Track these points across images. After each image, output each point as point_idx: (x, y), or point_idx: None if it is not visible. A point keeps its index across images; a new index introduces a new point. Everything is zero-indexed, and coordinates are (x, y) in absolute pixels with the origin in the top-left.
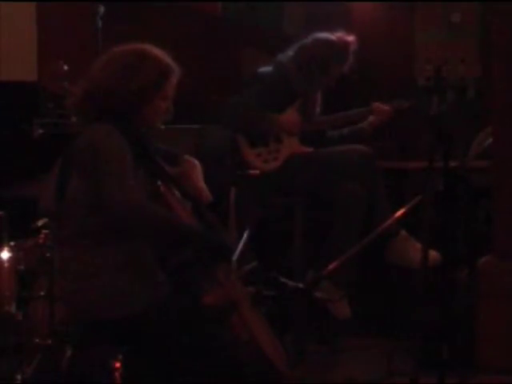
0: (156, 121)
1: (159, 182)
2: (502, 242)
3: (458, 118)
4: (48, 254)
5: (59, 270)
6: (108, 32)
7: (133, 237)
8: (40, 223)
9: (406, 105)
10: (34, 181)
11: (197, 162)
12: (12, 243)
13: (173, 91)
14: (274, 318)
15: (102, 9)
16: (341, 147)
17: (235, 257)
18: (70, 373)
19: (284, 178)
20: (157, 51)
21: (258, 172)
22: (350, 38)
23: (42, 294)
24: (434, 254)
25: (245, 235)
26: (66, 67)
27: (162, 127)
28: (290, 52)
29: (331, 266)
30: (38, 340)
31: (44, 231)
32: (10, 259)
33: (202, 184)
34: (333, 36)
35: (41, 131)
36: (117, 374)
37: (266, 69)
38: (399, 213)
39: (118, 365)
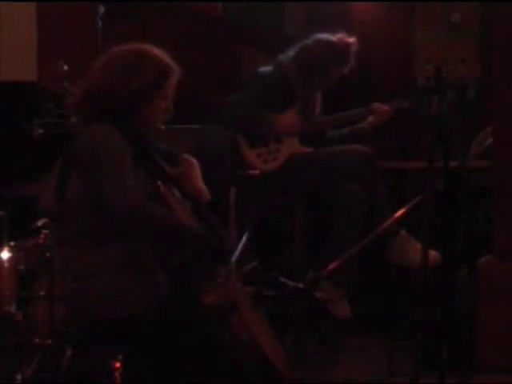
0: (156, 121)
1: (159, 182)
2: (502, 242)
3: (457, 118)
4: (48, 254)
5: (59, 270)
6: (108, 32)
7: (133, 237)
8: (40, 223)
9: (406, 105)
10: (34, 181)
11: (195, 162)
12: (12, 243)
13: (173, 91)
14: (274, 318)
15: (101, 9)
16: (341, 147)
17: (235, 257)
18: (70, 373)
19: (284, 177)
20: (157, 51)
21: (257, 172)
22: (351, 40)
23: (42, 294)
24: (433, 254)
25: (245, 235)
26: (66, 67)
27: (162, 127)
28: (291, 52)
29: (331, 266)
30: (37, 340)
31: (44, 231)
32: (10, 259)
33: (200, 183)
34: (334, 37)
35: (41, 131)
36: (117, 374)
37: (266, 69)
38: (399, 213)
39: (118, 365)
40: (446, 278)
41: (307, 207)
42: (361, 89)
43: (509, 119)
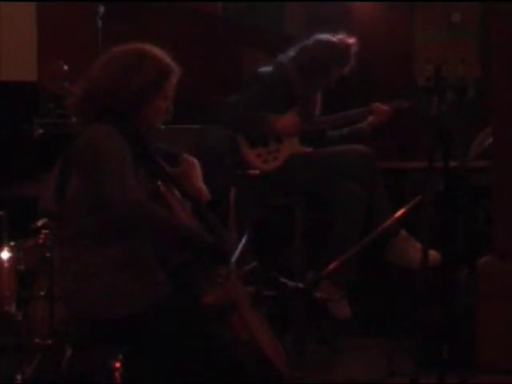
0: (156, 121)
1: (159, 182)
2: (502, 242)
3: (457, 118)
4: (48, 254)
5: (59, 270)
6: (108, 32)
7: (133, 237)
8: (40, 223)
9: (406, 105)
10: (34, 181)
11: (196, 162)
12: (12, 243)
13: (173, 91)
14: (274, 318)
15: (101, 9)
16: (341, 147)
17: (235, 257)
18: (70, 373)
19: (284, 177)
20: (157, 51)
21: (257, 172)
22: (352, 41)
23: (42, 294)
24: (433, 254)
25: (245, 236)
26: (66, 67)
27: (162, 127)
28: (291, 53)
29: (331, 266)
30: (37, 340)
31: (44, 231)
32: (10, 259)
33: (201, 183)
34: (334, 38)
35: (41, 131)
36: (117, 374)
37: (266, 69)
38: (399, 213)
39: (118, 365)
40: (445, 277)
41: (307, 207)
42: (361, 89)
43: (509, 119)
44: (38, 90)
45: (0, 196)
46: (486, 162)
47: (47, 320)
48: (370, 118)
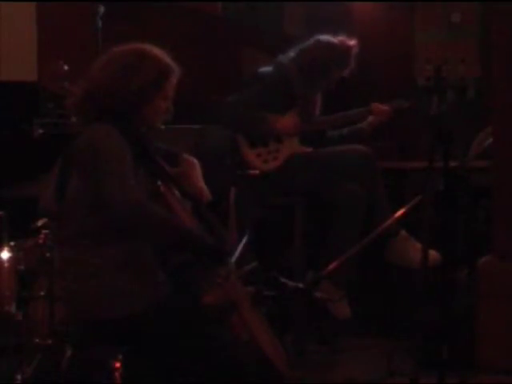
0: (156, 121)
1: (159, 182)
2: (502, 242)
3: (457, 118)
4: (48, 254)
5: (59, 270)
6: (108, 32)
7: (133, 237)
8: (40, 223)
9: (406, 105)
10: (34, 181)
11: (196, 161)
12: (12, 243)
13: (173, 91)
14: (274, 318)
15: (101, 9)
16: (341, 147)
17: (235, 257)
18: (70, 373)
19: (284, 177)
20: (156, 51)
21: (257, 172)
22: (352, 42)
23: (42, 294)
24: (433, 254)
25: (245, 236)
26: (66, 67)
27: (162, 127)
28: (291, 53)
29: (331, 266)
30: (37, 340)
31: (44, 231)
32: (10, 259)
33: (201, 183)
34: (335, 39)
35: (41, 131)
36: (117, 374)
37: (266, 69)
38: (399, 213)
39: (118, 365)
40: (445, 277)
41: (307, 207)
42: (361, 89)
43: (509, 119)
44: (38, 90)
45: (0, 196)
46: (486, 162)
47: (47, 320)
48: (370, 118)
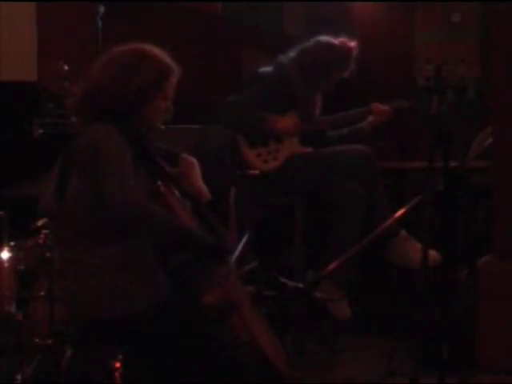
0: (156, 121)
1: (159, 182)
2: (502, 242)
3: (457, 118)
4: (48, 254)
5: (59, 270)
6: (108, 32)
7: (133, 237)
8: (40, 223)
9: (406, 105)
10: (34, 181)
11: (195, 161)
12: (12, 243)
13: (173, 91)
14: (274, 318)
15: (101, 9)
16: (341, 147)
17: (235, 257)
18: (70, 373)
19: (284, 177)
20: (156, 51)
21: (257, 172)
22: (353, 44)
23: (42, 294)
24: (433, 254)
25: (245, 236)
26: (66, 67)
27: (162, 127)
28: (292, 53)
29: (331, 266)
30: (38, 340)
31: (44, 231)
32: (10, 259)
33: (200, 183)
34: (335, 40)
35: (41, 131)
36: (117, 374)
37: (266, 69)
38: (399, 213)
39: (118, 365)
40: (445, 277)
41: (307, 207)
42: (361, 89)
43: (509, 119)
44: (38, 90)
45: (0, 196)
46: (486, 161)
47: (47, 320)
48: (370, 118)
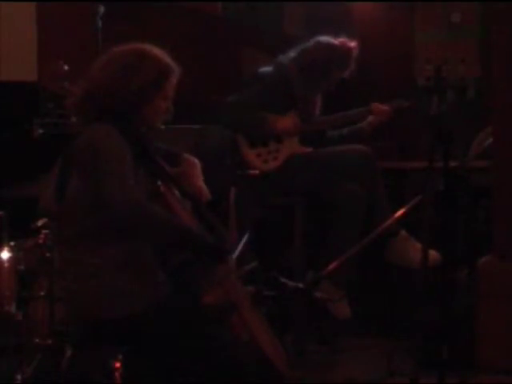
0: (156, 121)
1: (159, 182)
2: (502, 242)
3: (457, 118)
4: (48, 254)
5: (59, 270)
6: (108, 32)
7: (133, 237)
8: (40, 223)
9: (406, 105)
10: (34, 181)
11: (196, 161)
12: (12, 243)
13: (173, 91)
14: (274, 318)
15: (101, 9)
16: (341, 147)
17: (235, 257)
18: (70, 373)
19: (284, 177)
20: (156, 51)
21: (257, 172)
22: (353, 44)
23: (42, 294)
24: (433, 254)
25: (245, 235)
26: (66, 67)
27: (162, 127)
28: (292, 53)
29: (331, 266)
30: (38, 340)
31: (44, 231)
32: (10, 259)
33: (201, 183)
34: (335, 41)
35: (41, 131)
36: (117, 374)
37: (266, 69)
38: (399, 213)
39: (118, 365)
40: (445, 277)
41: (307, 207)
42: (361, 89)
43: (509, 119)
44: (38, 90)
45: (0, 196)
46: (486, 162)
47: (47, 320)
48: (370, 118)
